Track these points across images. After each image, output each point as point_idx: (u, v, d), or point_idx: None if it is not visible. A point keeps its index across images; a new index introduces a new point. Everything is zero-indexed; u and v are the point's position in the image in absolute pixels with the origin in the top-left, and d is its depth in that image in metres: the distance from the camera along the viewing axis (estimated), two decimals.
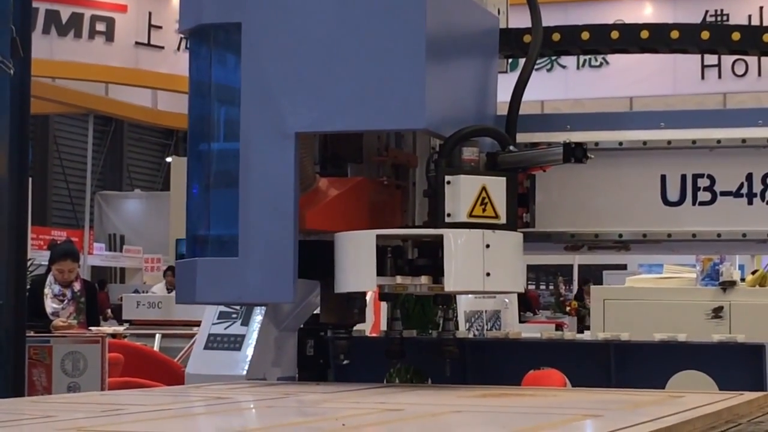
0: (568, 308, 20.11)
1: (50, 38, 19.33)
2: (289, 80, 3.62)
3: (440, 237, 3.55)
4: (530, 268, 24.22)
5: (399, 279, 3.61)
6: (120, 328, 11.68)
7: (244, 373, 4.10)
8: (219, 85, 3.81)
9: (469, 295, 9.23)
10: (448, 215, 3.59)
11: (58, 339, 6.41)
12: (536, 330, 11.71)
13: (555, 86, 18.36)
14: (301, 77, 3.62)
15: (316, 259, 3.71)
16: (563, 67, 18.70)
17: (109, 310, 17.23)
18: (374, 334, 4.42)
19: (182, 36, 3.84)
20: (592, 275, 21.35)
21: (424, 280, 3.61)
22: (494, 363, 4.16)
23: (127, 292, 19.33)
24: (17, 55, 5.55)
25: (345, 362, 3.98)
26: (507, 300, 10.61)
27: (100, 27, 19.93)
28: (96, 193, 29.00)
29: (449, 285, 3.55)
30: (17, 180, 5.74)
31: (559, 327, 16.79)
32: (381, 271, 3.58)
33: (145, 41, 20.23)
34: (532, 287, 25.62)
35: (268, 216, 3.61)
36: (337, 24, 3.61)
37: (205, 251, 3.77)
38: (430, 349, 3.95)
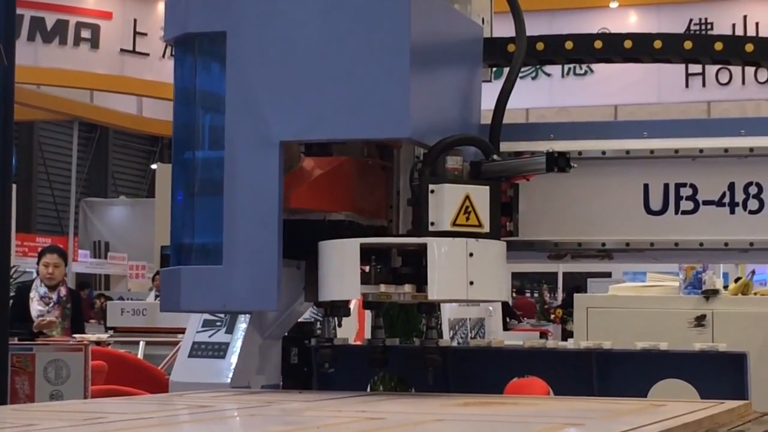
0: (552, 316, 20.13)
1: (35, 45, 19.32)
2: (274, 89, 3.64)
3: (424, 246, 3.56)
4: (515, 276, 24.26)
5: (383, 287, 3.62)
6: (104, 336, 11.66)
7: (229, 381, 4.10)
8: (204, 94, 3.81)
9: (453, 303, 9.24)
10: (432, 224, 3.60)
11: (41, 347, 6.41)
12: (521, 338, 11.73)
13: (540, 94, 18.45)
14: (285, 86, 3.63)
15: (300, 239, 3.73)
16: (548, 75, 18.78)
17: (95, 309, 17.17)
18: (358, 342, 4.43)
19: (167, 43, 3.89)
20: (577, 283, 21.38)
21: (407, 288, 3.62)
22: (477, 371, 4.16)
23: (112, 298, 19.29)
24: (1, 62, 5.54)
25: (330, 371, 3.99)
26: (491, 308, 10.62)
27: (86, 34, 19.92)
28: (81, 199, 28.96)
29: (433, 294, 3.56)
30: (0, 187, 5.74)
31: (543, 335, 16.83)
32: (364, 280, 3.60)
33: (131, 48, 20.24)
34: (528, 295, 25.68)
35: (252, 224, 3.62)
36: (321, 33, 3.62)
37: (189, 259, 3.77)
38: (413, 357, 3.95)
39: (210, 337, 4.23)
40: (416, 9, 3.58)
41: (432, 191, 3.61)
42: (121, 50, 20.21)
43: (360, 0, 3.62)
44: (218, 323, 4.25)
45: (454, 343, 6.95)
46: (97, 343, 10.36)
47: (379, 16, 3.58)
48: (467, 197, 3.62)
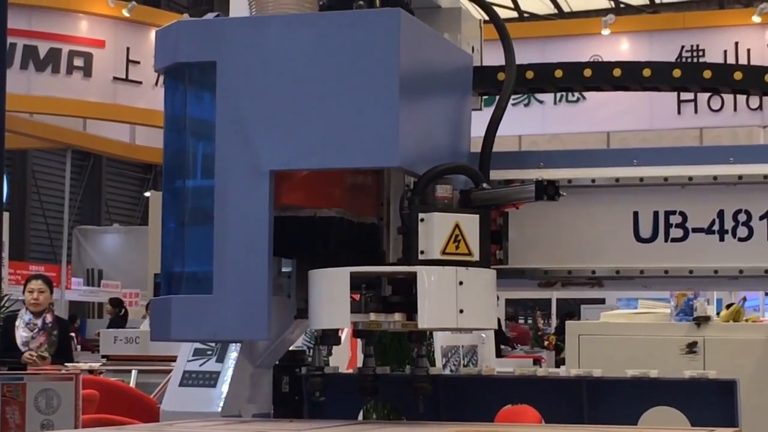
0: (546, 342, 20.13)
1: (28, 73, 19.34)
2: (264, 119, 3.65)
3: (414, 274, 3.56)
4: (508, 303, 24.26)
5: (372, 316, 3.62)
6: (96, 364, 11.64)
7: (219, 409, 4.09)
8: (194, 124, 3.82)
9: (446, 331, 9.23)
10: (422, 252, 3.61)
11: (32, 376, 6.38)
12: (514, 365, 11.70)
13: (532, 121, 18.48)
14: (275, 116, 3.64)
15: (291, 236, 3.74)
16: (540, 102, 18.81)
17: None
18: (350, 370, 4.42)
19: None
20: (570, 309, 21.39)
21: (397, 317, 3.62)
22: (468, 399, 4.16)
23: (105, 326, 19.23)
24: None
25: (321, 399, 3.98)
26: (484, 335, 10.61)
27: (78, 62, 19.95)
28: (74, 227, 28.92)
29: (423, 322, 3.56)
30: None
31: (537, 362, 16.82)
32: (354, 308, 3.60)
33: (123, 76, 20.26)
34: (522, 322, 25.71)
35: (243, 253, 3.62)
36: (311, 63, 3.64)
37: (179, 288, 3.77)
38: (404, 385, 3.95)
39: (201, 366, 4.23)
40: (405, 38, 3.59)
41: (422, 220, 3.62)
42: (114, 78, 20.24)
43: (349, 29, 3.64)
44: (209, 352, 4.24)
45: (447, 371, 6.95)
46: (90, 371, 10.34)
47: (368, 46, 3.60)
48: (457, 226, 3.63)
